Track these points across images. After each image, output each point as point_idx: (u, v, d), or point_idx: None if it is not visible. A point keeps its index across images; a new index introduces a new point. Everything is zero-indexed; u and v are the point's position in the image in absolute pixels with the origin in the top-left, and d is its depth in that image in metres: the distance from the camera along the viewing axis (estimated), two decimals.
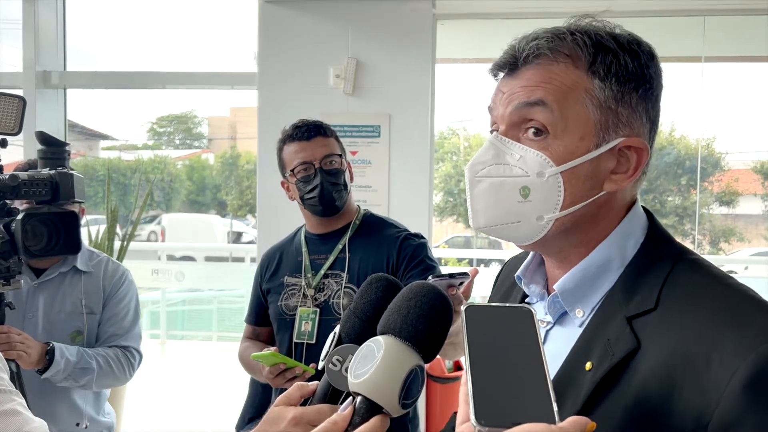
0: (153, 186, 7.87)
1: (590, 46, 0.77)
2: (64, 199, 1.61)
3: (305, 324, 1.85)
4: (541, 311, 0.86)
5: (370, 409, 0.71)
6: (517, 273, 0.89)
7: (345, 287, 1.84)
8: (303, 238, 1.97)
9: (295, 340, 1.86)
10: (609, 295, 0.78)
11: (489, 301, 1.06)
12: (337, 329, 0.84)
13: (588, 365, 0.74)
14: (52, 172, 1.63)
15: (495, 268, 5.44)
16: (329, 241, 1.92)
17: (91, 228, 3.71)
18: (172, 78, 4.19)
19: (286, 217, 2.35)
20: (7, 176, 1.58)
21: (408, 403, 0.71)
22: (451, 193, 9.72)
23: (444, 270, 1.79)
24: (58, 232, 1.64)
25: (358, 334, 0.79)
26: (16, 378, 1.69)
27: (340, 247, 1.90)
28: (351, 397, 0.73)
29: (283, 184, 1.97)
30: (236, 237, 11.59)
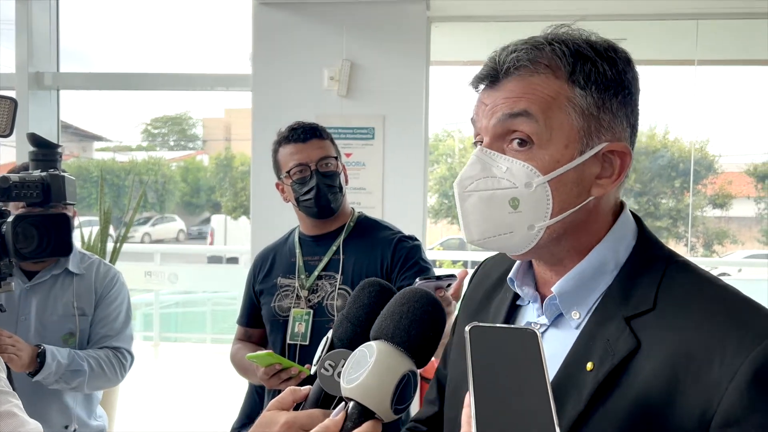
0: (147, 187, 7.86)
1: (569, 55, 0.78)
2: (56, 201, 1.60)
3: (298, 325, 1.84)
4: (534, 313, 0.87)
5: (362, 414, 0.70)
6: (510, 275, 0.90)
7: (339, 288, 1.84)
8: (297, 239, 1.96)
9: (288, 341, 1.85)
10: (605, 297, 0.79)
11: (463, 301, 1.06)
12: (329, 334, 0.84)
13: (589, 365, 0.75)
14: (44, 174, 1.62)
15: None
16: (323, 242, 1.92)
17: (84, 229, 3.69)
18: (166, 79, 4.18)
19: (281, 218, 2.35)
20: None
21: (400, 409, 0.71)
22: (445, 195, 9.73)
23: (438, 272, 1.79)
24: (49, 235, 1.63)
25: (350, 339, 0.79)
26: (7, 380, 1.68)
27: (334, 248, 1.89)
28: (343, 402, 0.73)
29: (278, 185, 1.96)
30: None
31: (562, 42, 0.79)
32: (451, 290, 1.51)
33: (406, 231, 1.96)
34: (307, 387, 0.82)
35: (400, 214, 3.26)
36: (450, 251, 8.63)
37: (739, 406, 0.66)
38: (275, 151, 1.92)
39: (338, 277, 1.85)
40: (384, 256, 1.86)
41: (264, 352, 1.67)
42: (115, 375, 2.02)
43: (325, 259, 1.88)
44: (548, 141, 0.78)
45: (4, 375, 1.10)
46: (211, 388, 4.77)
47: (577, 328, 0.80)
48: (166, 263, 6.56)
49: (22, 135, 3.39)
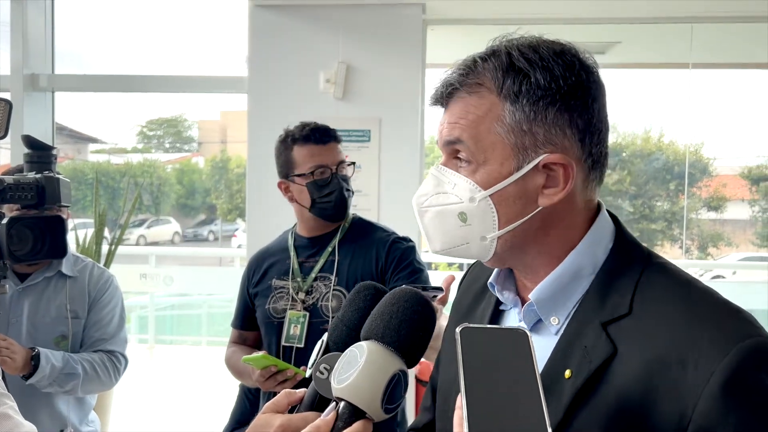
0: (142, 190, 7.83)
1: (499, 70, 0.79)
2: (50, 203, 1.60)
3: (294, 327, 1.84)
4: (516, 318, 0.88)
5: (353, 414, 0.71)
6: (490, 280, 0.90)
7: (334, 290, 1.84)
8: (292, 241, 1.96)
9: (283, 343, 1.85)
10: (583, 302, 0.79)
11: (453, 305, 1.06)
12: (324, 337, 0.84)
13: (567, 373, 0.75)
14: (38, 176, 1.62)
15: None
16: (318, 244, 1.92)
17: (79, 232, 3.68)
18: (161, 81, 4.17)
19: (276, 220, 2.35)
20: None
21: (391, 408, 0.71)
22: None
23: (432, 275, 1.80)
24: (43, 237, 1.63)
25: (345, 343, 0.79)
26: None
27: (329, 250, 1.89)
28: (334, 402, 0.73)
29: (281, 184, 1.93)
30: None
31: (495, 56, 0.80)
32: (437, 300, 1.51)
33: (402, 233, 1.96)
34: (302, 390, 0.82)
35: (396, 217, 3.24)
36: None
37: (714, 413, 0.66)
38: (286, 149, 1.89)
39: (333, 278, 1.85)
40: (378, 257, 1.86)
41: (259, 354, 1.67)
42: (109, 378, 2.01)
43: (321, 261, 1.88)
44: (485, 161, 0.80)
45: None
46: (207, 391, 4.76)
47: (556, 333, 0.80)
48: (161, 265, 6.54)
49: (16, 137, 3.39)
